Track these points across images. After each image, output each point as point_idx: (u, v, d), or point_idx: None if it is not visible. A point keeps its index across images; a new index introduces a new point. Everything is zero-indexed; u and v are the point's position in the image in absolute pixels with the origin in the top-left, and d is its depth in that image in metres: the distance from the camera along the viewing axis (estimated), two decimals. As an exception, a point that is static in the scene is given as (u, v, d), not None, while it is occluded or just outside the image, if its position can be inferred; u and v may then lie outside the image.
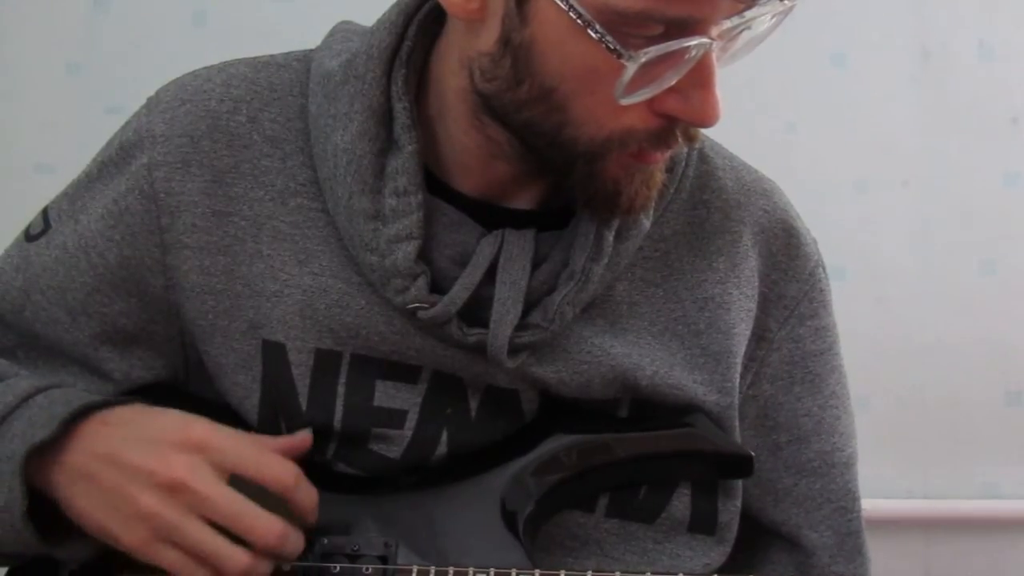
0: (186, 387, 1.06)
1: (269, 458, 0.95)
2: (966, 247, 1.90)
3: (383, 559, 0.97)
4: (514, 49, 0.90)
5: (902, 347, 1.88)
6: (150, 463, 0.93)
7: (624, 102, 0.88)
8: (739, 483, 1.08)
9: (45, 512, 0.95)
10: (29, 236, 1.06)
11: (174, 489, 0.92)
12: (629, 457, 1.02)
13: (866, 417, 1.84)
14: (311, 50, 1.06)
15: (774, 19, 0.90)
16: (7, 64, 1.90)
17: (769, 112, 1.87)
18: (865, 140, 1.90)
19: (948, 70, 1.90)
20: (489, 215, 1.00)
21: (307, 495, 0.96)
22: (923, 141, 1.90)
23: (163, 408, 0.98)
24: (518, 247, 0.99)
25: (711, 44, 0.87)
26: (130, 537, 0.93)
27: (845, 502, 1.11)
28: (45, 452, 0.94)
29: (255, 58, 1.06)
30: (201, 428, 0.95)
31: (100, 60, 1.90)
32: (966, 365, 1.88)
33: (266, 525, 0.93)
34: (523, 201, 1.02)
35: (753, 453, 1.05)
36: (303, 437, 1.00)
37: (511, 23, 0.90)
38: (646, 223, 1.02)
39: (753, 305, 1.07)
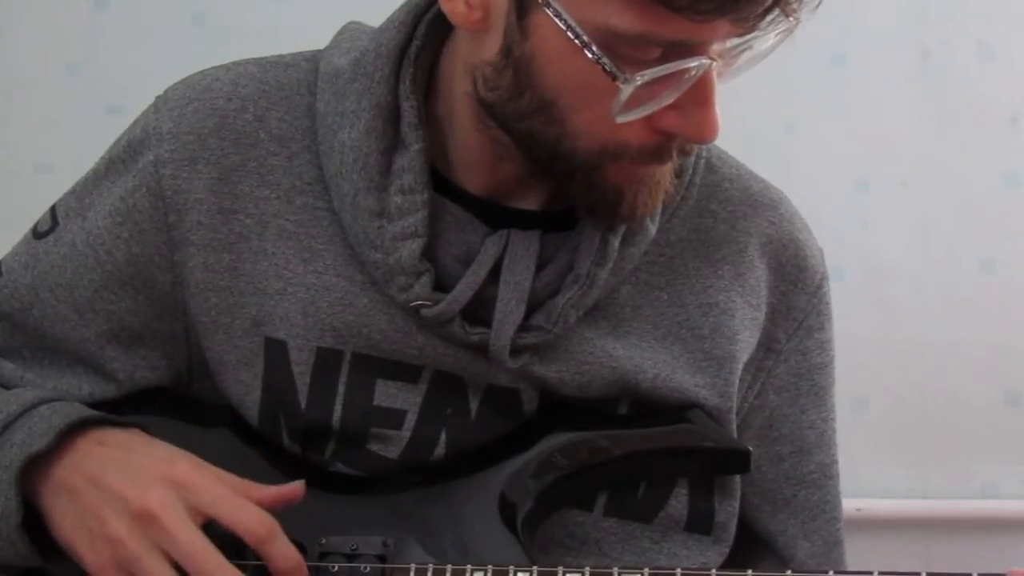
0: (187, 389, 1.06)
1: (246, 508, 0.93)
2: (966, 247, 1.89)
3: (381, 558, 0.97)
4: (515, 61, 0.91)
5: (902, 347, 1.88)
6: (128, 490, 0.92)
7: (620, 120, 0.88)
8: (737, 483, 1.08)
9: (41, 524, 0.95)
10: (37, 233, 1.06)
11: (144, 520, 0.91)
12: (627, 454, 1.03)
13: (866, 417, 1.86)
14: (319, 50, 1.06)
15: (778, 37, 0.90)
16: (7, 64, 1.90)
17: (768, 112, 1.87)
18: (865, 140, 1.90)
19: (948, 70, 1.90)
20: (495, 215, 1.01)
21: (282, 551, 0.92)
22: (923, 141, 1.90)
23: (158, 440, 0.97)
24: (523, 248, 0.99)
25: (711, 64, 0.88)
26: (92, 558, 0.92)
27: (836, 512, 1.12)
28: (40, 463, 0.94)
29: (263, 58, 1.06)
30: (186, 466, 0.94)
31: (100, 60, 1.90)
32: (966, 365, 1.88)
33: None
34: (529, 201, 1.02)
35: (751, 449, 1.05)
36: (294, 488, 0.96)
37: (512, 35, 0.91)
38: (652, 229, 1.03)
39: (760, 315, 1.07)
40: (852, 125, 1.90)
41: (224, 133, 1.02)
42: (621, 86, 0.87)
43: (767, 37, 0.90)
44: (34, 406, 0.98)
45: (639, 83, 0.87)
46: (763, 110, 1.84)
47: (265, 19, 1.89)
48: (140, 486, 0.92)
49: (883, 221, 1.90)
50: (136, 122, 1.06)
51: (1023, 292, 1.89)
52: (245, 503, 0.93)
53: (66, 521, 0.93)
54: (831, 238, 1.15)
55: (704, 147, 1.07)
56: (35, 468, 0.94)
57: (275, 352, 1.01)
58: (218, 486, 0.93)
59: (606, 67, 0.87)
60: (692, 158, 1.05)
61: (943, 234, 1.90)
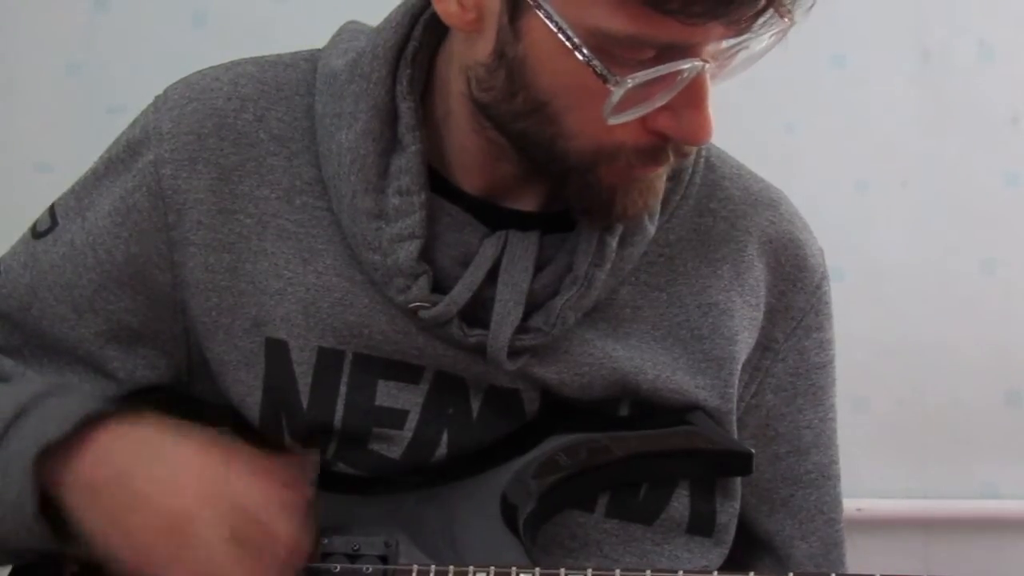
0: (188, 388, 1.06)
1: (277, 518, 0.93)
2: (966, 247, 1.89)
3: (383, 559, 0.97)
4: (508, 62, 0.91)
5: (902, 347, 1.88)
6: (158, 494, 0.92)
7: (613, 122, 0.88)
8: (737, 484, 1.08)
9: (57, 508, 0.95)
10: (36, 233, 1.06)
11: (175, 526, 0.91)
12: (629, 455, 1.03)
13: (866, 417, 1.86)
14: (318, 50, 1.06)
15: (772, 38, 0.90)
16: (7, 64, 1.90)
17: (769, 112, 1.87)
18: (865, 140, 1.90)
19: (948, 70, 1.90)
20: (493, 216, 1.01)
21: (299, 566, 0.94)
22: (923, 141, 1.90)
23: (180, 434, 0.96)
24: (521, 249, 0.99)
25: (703, 66, 0.88)
26: (119, 559, 0.92)
27: (835, 513, 1.12)
28: (57, 451, 0.94)
29: (262, 57, 1.06)
30: (217, 468, 0.93)
31: (100, 60, 1.90)
32: (966, 365, 1.88)
33: None
34: (527, 202, 1.02)
35: (753, 451, 1.06)
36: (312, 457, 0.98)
37: (505, 37, 0.90)
38: (651, 229, 1.03)
39: (758, 314, 1.07)
40: (852, 125, 1.90)
41: (224, 133, 1.02)
42: (612, 88, 0.87)
43: (762, 38, 0.90)
44: (46, 394, 0.98)
45: (630, 85, 0.86)
46: (763, 110, 1.84)
47: (265, 19, 1.88)
48: (169, 491, 0.92)
49: (883, 221, 1.90)
50: (135, 122, 1.06)
51: (1023, 292, 1.89)
52: (276, 513, 0.93)
53: (90, 520, 0.93)
54: (831, 238, 1.15)
55: (704, 147, 1.07)
56: (52, 457, 0.94)
57: (276, 352, 1.01)
58: (249, 489, 0.93)
59: (597, 69, 0.87)
60: (692, 157, 1.05)
61: (943, 234, 1.90)
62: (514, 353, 0.99)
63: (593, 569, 0.95)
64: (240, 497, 0.92)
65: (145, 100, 1.06)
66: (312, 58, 1.05)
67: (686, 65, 0.87)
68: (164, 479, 0.93)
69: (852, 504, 1.38)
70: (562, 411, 1.03)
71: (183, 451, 0.95)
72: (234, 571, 0.91)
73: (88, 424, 0.95)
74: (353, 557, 0.97)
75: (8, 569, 1.05)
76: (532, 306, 1.00)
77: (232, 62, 1.06)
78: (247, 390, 1.02)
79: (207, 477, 0.93)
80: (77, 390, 1.02)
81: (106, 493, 0.93)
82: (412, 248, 0.97)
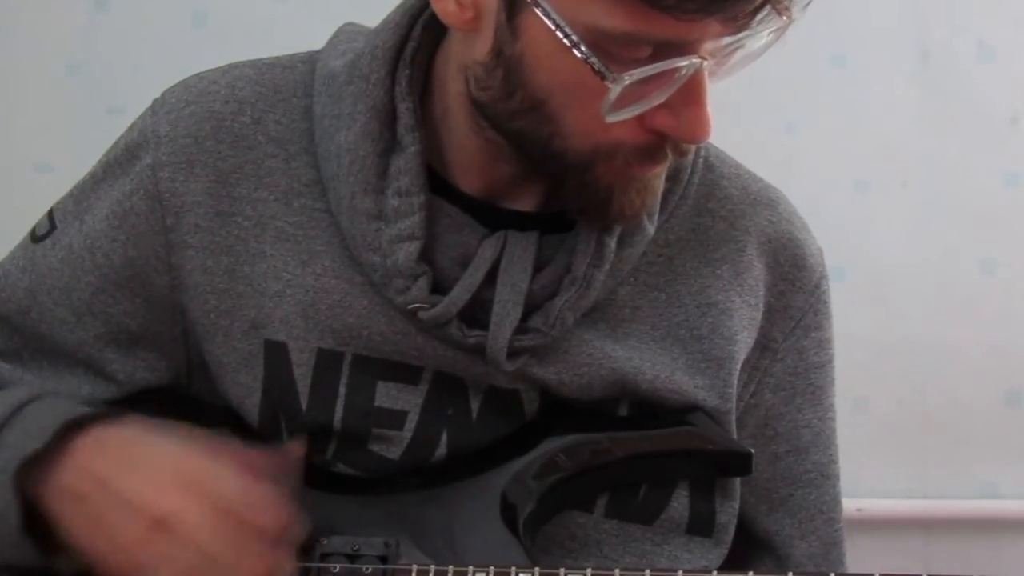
0: (188, 389, 1.06)
1: (260, 507, 0.92)
2: (966, 247, 1.89)
3: (383, 559, 0.97)
4: (506, 60, 0.91)
5: (902, 347, 1.88)
6: (140, 495, 0.91)
7: (610, 119, 0.88)
8: (737, 484, 1.08)
9: (43, 521, 0.94)
10: (35, 237, 1.06)
11: (159, 526, 0.90)
12: (629, 456, 1.03)
13: (866, 417, 1.86)
14: (316, 51, 1.06)
15: (771, 35, 0.90)
16: (7, 64, 1.90)
17: (769, 112, 1.87)
18: (865, 140, 1.90)
19: (948, 70, 1.90)
20: (492, 216, 1.01)
21: (290, 544, 0.93)
22: (923, 141, 1.90)
23: (159, 435, 0.95)
24: (520, 249, 0.99)
25: (701, 64, 0.88)
26: (107, 565, 0.92)
27: (834, 513, 1.11)
28: (39, 463, 0.93)
29: (260, 60, 1.06)
30: (197, 463, 0.93)
31: (100, 60, 1.90)
32: (966, 365, 1.88)
33: (245, 573, 0.91)
34: (526, 202, 1.02)
35: (752, 451, 1.06)
36: (297, 447, 0.97)
37: (503, 35, 0.91)
38: (650, 229, 1.03)
39: (757, 314, 1.07)
40: (852, 125, 1.90)
41: (221, 136, 1.02)
42: (610, 85, 0.87)
43: (760, 36, 0.90)
44: (25, 404, 0.97)
45: (628, 82, 0.86)
46: (763, 110, 1.84)
47: (265, 19, 1.88)
48: (152, 491, 0.91)
49: (883, 221, 1.90)
50: (133, 125, 1.06)
51: (1023, 292, 1.89)
52: (259, 501, 0.92)
53: (77, 528, 0.93)
54: (831, 238, 1.15)
55: (703, 147, 1.07)
56: (34, 468, 0.93)
57: (275, 354, 1.01)
58: (232, 480, 0.92)
59: (595, 66, 0.87)
60: (690, 157, 1.05)
61: (943, 234, 1.89)
62: (513, 354, 0.99)
63: (593, 569, 0.95)
64: (223, 492, 0.92)
65: (145, 100, 1.06)
66: (310, 60, 1.05)
67: (683, 63, 0.87)
68: (146, 481, 0.92)
69: (852, 504, 1.38)
70: (561, 411, 1.03)
71: (164, 451, 0.94)
72: (223, 566, 0.90)
73: (69, 431, 0.94)
74: (353, 557, 0.97)
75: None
76: (531, 307, 1.00)
77: (230, 65, 1.06)
78: (246, 392, 1.02)
79: (189, 474, 0.92)
80: (58, 395, 1.01)
81: (89, 500, 0.92)
82: (411, 249, 0.97)
